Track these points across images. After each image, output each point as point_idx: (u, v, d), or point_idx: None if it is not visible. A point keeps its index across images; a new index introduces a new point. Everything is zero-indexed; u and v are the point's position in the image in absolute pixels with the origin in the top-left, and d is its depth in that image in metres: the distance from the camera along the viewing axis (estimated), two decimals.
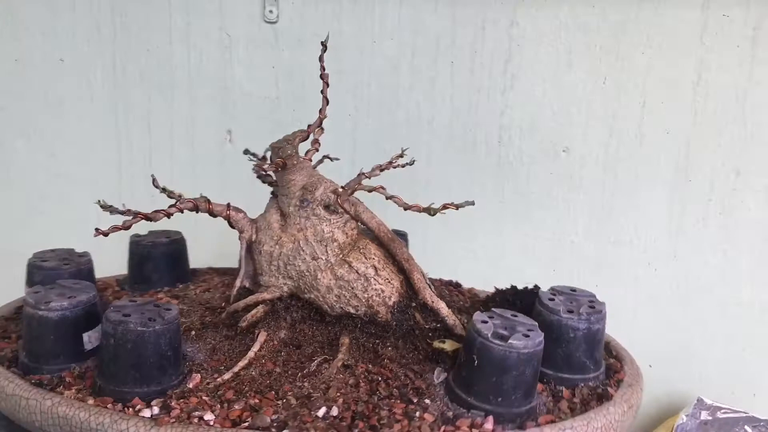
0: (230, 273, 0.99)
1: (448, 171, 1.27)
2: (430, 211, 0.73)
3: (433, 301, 0.77)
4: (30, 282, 0.84)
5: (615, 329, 1.26)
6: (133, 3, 1.28)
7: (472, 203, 0.74)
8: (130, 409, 0.62)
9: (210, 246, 1.11)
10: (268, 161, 0.78)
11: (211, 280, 0.96)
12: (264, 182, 0.85)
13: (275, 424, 0.60)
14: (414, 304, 0.78)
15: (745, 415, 1.17)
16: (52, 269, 0.83)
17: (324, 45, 0.78)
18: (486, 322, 0.66)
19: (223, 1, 1.26)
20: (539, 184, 1.25)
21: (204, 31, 1.28)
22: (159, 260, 0.93)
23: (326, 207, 0.77)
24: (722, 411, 1.18)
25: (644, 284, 1.26)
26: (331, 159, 0.86)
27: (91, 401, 0.63)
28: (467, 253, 1.29)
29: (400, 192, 1.17)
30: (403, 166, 0.84)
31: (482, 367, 0.64)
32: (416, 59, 1.24)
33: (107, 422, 0.60)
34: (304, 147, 0.82)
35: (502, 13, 1.20)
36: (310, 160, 0.82)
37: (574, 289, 0.80)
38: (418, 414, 0.63)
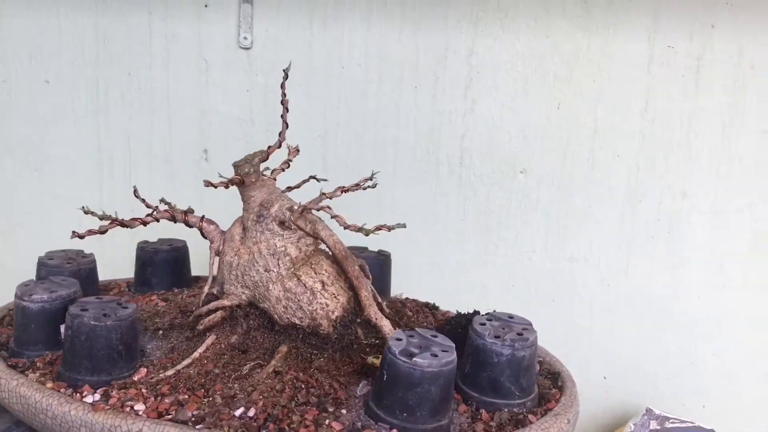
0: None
1: (413, 190, 1.33)
2: (365, 232, 0.78)
3: (376, 319, 0.80)
4: (38, 276, 0.93)
5: (571, 343, 1.33)
6: (116, 29, 1.35)
7: (404, 226, 0.79)
8: (78, 395, 0.69)
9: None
10: (231, 179, 0.84)
11: (198, 286, 1.02)
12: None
13: (193, 419, 0.66)
14: (359, 320, 0.82)
15: (692, 425, 1.22)
16: (54, 266, 0.93)
17: (285, 73, 0.84)
18: (401, 339, 0.70)
19: (200, 29, 1.33)
20: (498, 204, 1.32)
21: (182, 56, 1.35)
22: (159, 265, 1.02)
23: (281, 223, 0.82)
24: (670, 421, 1.24)
25: (598, 299, 1.32)
26: (318, 180, 0.91)
27: (49, 385, 0.70)
28: (431, 268, 1.35)
29: (367, 210, 1.26)
30: (366, 188, 0.89)
31: (389, 382, 0.67)
32: (382, 84, 1.31)
33: (54, 404, 0.67)
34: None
35: (462, 42, 1.27)
36: (274, 179, 0.88)
37: (511, 316, 0.82)
38: (327, 422, 0.66)
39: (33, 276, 0.92)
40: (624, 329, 1.32)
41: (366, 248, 1.08)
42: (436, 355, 0.67)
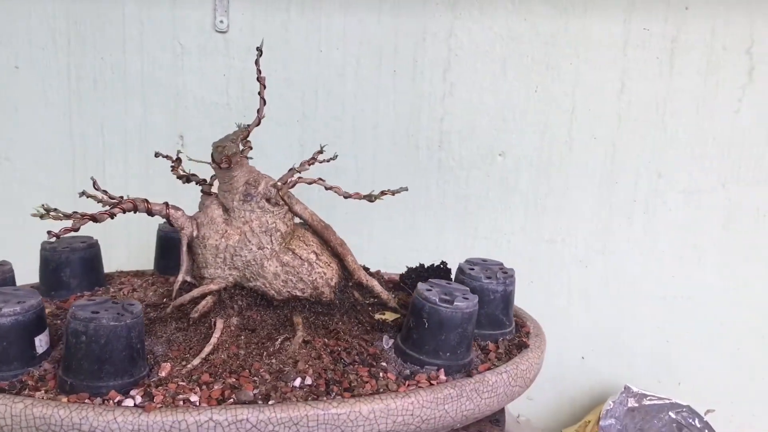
0: (141, 275, 1.02)
1: (393, 174, 1.33)
2: (371, 198, 0.81)
3: (367, 280, 0.86)
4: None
5: (549, 323, 1.34)
6: (88, 13, 1.32)
7: (406, 189, 0.86)
8: (110, 401, 0.64)
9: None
10: (212, 160, 0.83)
11: (129, 281, 0.98)
12: (186, 183, 0.88)
13: (259, 397, 0.66)
14: (351, 284, 0.86)
15: (669, 401, 1.25)
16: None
17: (259, 50, 0.84)
18: (430, 290, 0.76)
19: (175, 12, 1.31)
20: (478, 186, 1.33)
21: (157, 40, 1.33)
22: (77, 266, 0.92)
23: (268, 200, 0.82)
24: (648, 398, 1.26)
25: (576, 280, 1.34)
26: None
27: (65, 399, 0.64)
28: (411, 252, 1.36)
29: (343, 200, 1.23)
30: (327, 160, 0.91)
31: (432, 327, 0.74)
32: (361, 68, 1.31)
33: (91, 416, 0.61)
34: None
35: (441, 25, 1.28)
36: (247, 158, 0.87)
37: (485, 260, 0.92)
38: (382, 374, 0.72)
39: None
40: (601, 309, 1.35)
41: None
42: (467, 298, 0.75)
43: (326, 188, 0.86)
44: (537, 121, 1.29)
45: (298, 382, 0.69)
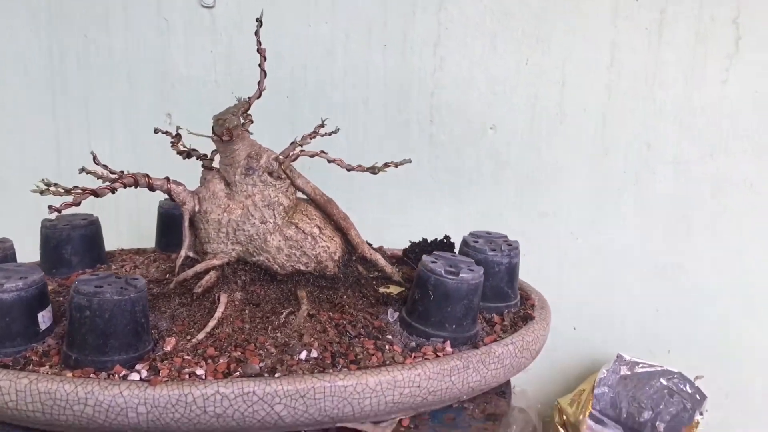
0: (143, 253, 1.01)
1: (384, 149, 1.33)
2: (374, 170, 0.81)
3: (370, 254, 0.85)
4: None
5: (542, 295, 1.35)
6: None
7: (409, 161, 0.86)
8: (115, 376, 0.63)
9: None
10: (213, 133, 0.82)
11: (131, 259, 0.98)
12: (186, 158, 0.87)
13: (266, 370, 0.65)
14: (354, 258, 0.86)
15: (660, 368, 1.27)
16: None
17: (259, 21, 0.83)
18: (435, 262, 0.76)
19: None
20: (469, 161, 1.33)
21: (141, 16, 1.30)
22: (78, 243, 0.92)
23: (270, 174, 0.82)
24: (640, 366, 1.28)
25: (568, 252, 1.35)
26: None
27: (69, 374, 0.63)
28: (403, 228, 1.35)
29: (337, 171, 1.23)
30: (330, 134, 0.90)
31: (438, 299, 0.73)
32: (350, 43, 1.30)
33: (96, 390, 0.61)
34: None
35: None
36: (249, 131, 0.86)
37: (489, 232, 0.92)
38: (387, 347, 0.72)
39: None
40: (592, 280, 1.36)
41: None
42: (472, 270, 0.75)
43: (329, 161, 0.86)
44: (527, 94, 1.29)
45: (304, 354, 0.69)
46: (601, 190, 1.31)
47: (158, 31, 1.31)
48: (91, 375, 0.64)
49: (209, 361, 0.67)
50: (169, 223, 0.98)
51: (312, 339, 0.72)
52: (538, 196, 1.33)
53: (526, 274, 1.34)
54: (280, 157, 0.83)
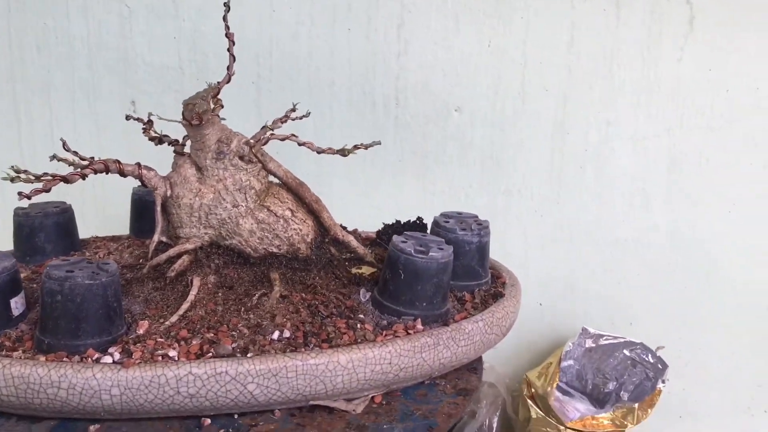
0: (117, 240, 1.01)
1: (350, 132, 1.34)
2: (344, 152, 0.82)
3: (343, 236, 0.87)
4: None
5: None
6: None
7: (379, 143, 0.88)
8: (88, 359, 0.64)
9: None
10: (183, 118, 0.82)
11: (105, 245, 0.98)
12: (158, 144, 0.88)
13: (238, 351, 0.66)
14: (327, 240, 0.87)
15: (623, 340, 1.32)
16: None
17: (226, 5, 0.83)
18: (405, 242, 0.78)
19: None
20: (434, 142, 1.35)
21: (102, 3, 1.29)
22: (51, 230, 0.92)
23: (241, 158, 0.82)
24: (604, 338, 1.32)
25: (532, 230, 1.38)
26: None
27: (42, 358, 0.64)
28: (370, 209, 1.37)
29: (305, 153, 1.24)
30: (300, 118, 0.91)
31: (408, 278, 0.75)
32: (314, 27, 1.30)
33: (69, 373, 0.62)
34: None
35: None
36: (219, 117, 0.87)
37: (460, 213, 0.94)
38: (359, 326, 0.73)
39: None
40: (556, 256, 1.40)
41: None
42: (442, 248, 0.77)
43: (299, 144, 0.87)
44: (490, 74, 1.31)
45: (276, 335, 0.70)
46: (563, 168, 1.35)
47: (120, 17, 1.30)
48: (65, 359, 0.64)
49: (182, 343, 0.68)
50: (143, 209, 0.98)
51: (284, 320, 0.74)
52: (502, 175, 1.36)
53: (492, 252, 1.38)
54: (251, 141, 0.83)
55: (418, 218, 0.96)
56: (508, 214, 1.38)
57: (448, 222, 0.88)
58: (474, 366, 0.84)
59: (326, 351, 0.68)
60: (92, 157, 0.80)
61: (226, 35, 0.84)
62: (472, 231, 0.86)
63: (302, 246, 0.84)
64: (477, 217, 0.92)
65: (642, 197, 1.35)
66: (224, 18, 0.83)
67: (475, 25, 1.29)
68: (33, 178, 0.72)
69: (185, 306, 0.76)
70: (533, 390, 1.31)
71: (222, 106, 0.85)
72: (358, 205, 1.37)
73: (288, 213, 0.84)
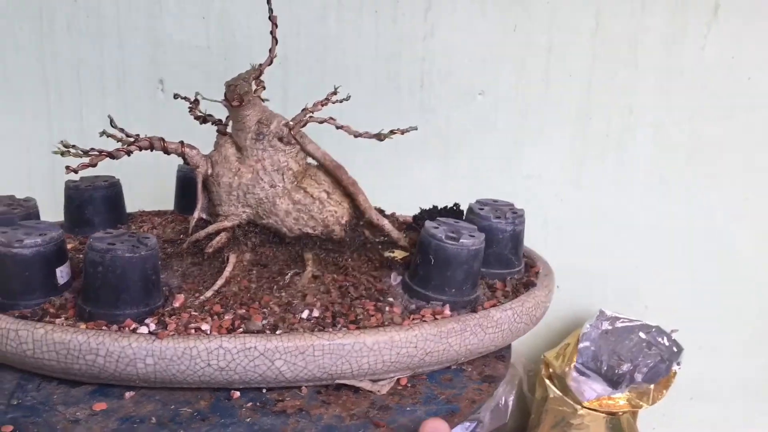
0: (162, 214, 1.04)
1: (375, 115, 1.36)
2: (380, 137, 0.83)
3: (378, 219, 0.88)
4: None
5: None
6: None
7: (416, 128, 0.88)
8: (126, 329, 0.67)
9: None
10: (224, 99, 0.84)
11: (150, 220, 1.01)
12: (203, 123, 0.90)
13: (267, 327, 0.69)
14: (361, 223, 0.88)
15: (639, 323, 1.34)
16: (2, 213, 0.87)
17: None
18: (437, 227, 0.78)
19: None
20: (458, 126, 1.36)
21: None
22: (99, 203, 0.95)
23: (280, 139, 0.84)
24: (620, 321, 1.35)
25: (552, 214, 1.40)
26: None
27: (83, 326, 0.67)
28: (394, 189, 1.39)
29: (328, 135, 1.26)
30: (341, 101, 0.93)
31: (438, 264, 0.76)
32: (342, 10, 1.31)
33: (107, 341, 0.64)
34: None
35: None
36: (260, 98, 0.89)
37: (495, 200, 0.94)
38: (387, 308, 0.74)
39: None
40: (575, 240, 1.42)
41: None
42: (473, 236, 0.77)
43: (336, 127, 0.88)
44: (515, 59, 1.33)
45: (305, 314, 0.72)
46: (584, 154, 1.36)
47: None
48: (103, 327, 0.67)
49: (215, 317, 0.70)
50: (187, 186, 1.00)
51: (315, 299, 0.75)
52: (525, 159, 1.38)
53: None
54: (291, 123, 0.85)
55: (455, 204, 0.97)
56: (529, 198, 1.39)
57: (482, 209, 0.89)
58: (502, 354, 0.84)
59: (353, 332, 0.69)
60: (137, 134, 0.82)
61: (270, 18, 0.85)
62: (506, 219, 0.87)
63: (336, 228, 0.86)
64: (513, 205, 0.93)
65: (660, 185, 1.37)
66: (268, 1, 0.85)
67: (501, 9, 1.30)
68: (81, 153, 0.75)
69: (220, 282, 0.77)
70: (551, 370, 1.33)
71: (264, 88, 0.87)
72: (380, 187, 1.38)
73: (324, 195, 0.86)
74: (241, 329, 0.68)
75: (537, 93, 1.34)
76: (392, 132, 0.87)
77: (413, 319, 0.73)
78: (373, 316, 0.73)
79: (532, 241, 1.40)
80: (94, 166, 0.76)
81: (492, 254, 0.86)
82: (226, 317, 0.70)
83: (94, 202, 0.94)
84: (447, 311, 0.76)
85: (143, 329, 0.67)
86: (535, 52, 1.32)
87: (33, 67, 1.34)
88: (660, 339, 1.32)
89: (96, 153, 0.76)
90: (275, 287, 0.78)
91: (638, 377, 1.29)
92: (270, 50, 0.86)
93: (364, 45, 1.33)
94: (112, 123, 0.83)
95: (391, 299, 0.77)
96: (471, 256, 0.76)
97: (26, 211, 0.88)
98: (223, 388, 0.69)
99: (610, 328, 1.35)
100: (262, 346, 0.66)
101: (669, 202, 1.38)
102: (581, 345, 1.32)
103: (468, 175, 1.39)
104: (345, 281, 0.80)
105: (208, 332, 0.67)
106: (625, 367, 1.30)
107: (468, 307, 0.78)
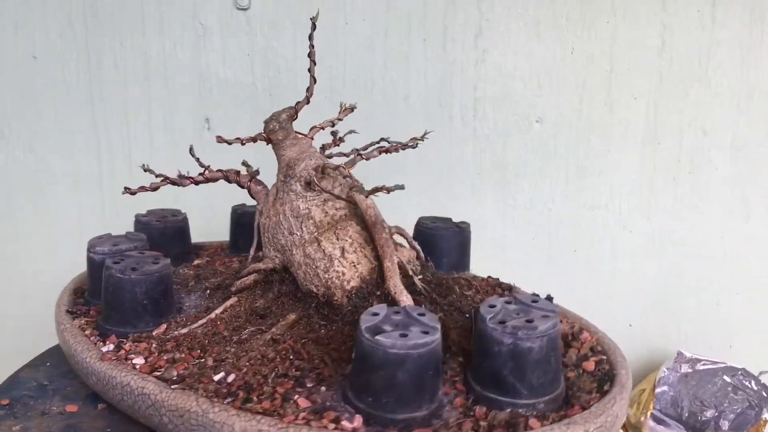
0: (219, 250, 1.04)
1: (427, 145, 1.29)
2: (363, 192, 0.73)
3: (395, 292, 0.70)
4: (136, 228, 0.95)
5: (594, 291, 1.31)
6: None
7: (402, 187, 0.70)
8: (101, 343, 0.70)
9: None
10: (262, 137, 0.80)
11: (209, 254, 1.01)
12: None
13: (175, 378, 0.63)
14: (378, 293, 0.73)
15: (723, 365, 1.22)
16: (144, 223, 0.94)
17: (313, 22, 0.80)
18: (377, 314, 0.60)
19: None
20: (515, 154, 1.29)
21: (177, 20, 1.29)
22: (250, 228, 0.91)
23: (307, 184, 0.77)
24: (701, 363, 1.23)
25: (620, 245, 1.30)
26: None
27: (87, 332, 0.73)
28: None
29: (378, 168, 1.19)
30: (378, 142, 0.87)
31: (357, 361, 0.58)
32: (389, 38, 1.27)
33: (80, 348, 0.69)
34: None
35: None
36: (311, 138, 0.84)
37: (536, 300, 0.65)
38: (296, 398, 0.60)
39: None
40: (646, 273, 1.31)
41: (449, 219, 0.99)
42: (405, 335, 0.56)
43: (343, 176, 0.78)
44: (574, 83, 1.24)
45: (219, 376, 0.63)
46: (654, 180, 1.27)
47: (194, 34, 1.29)
48: (92, 338, 0.72)
49: (159, 354, 0.68)
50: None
51: (246, 363, 0.65)
52: (588, 187, 1.29)
53: (576, 269, 1.30)
54: (320, 167, 0.78)
55: (548, 296, 0.72)
56: (595, 229, 1.30)
57: (494, 306, 0.63)
58: None
59: (230, 410, 0.58)
60: (208, 165, 0.81)
61: (309, 55, 0.80)
62: (504, 328, 0.59)
63: (338, 292, 0.73)
64: (551, 313, 0.62)
65: (743, 211, 1.25)
66: (310, 37, 0.80)
67: (558, 30, 1.23)
68: (156, 174, 0.79)
69: (201, 321, 0.74)
70: (625, 418, 1.22)
71: (323, 128, 0.83)
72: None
73: (337, 252, 0.74)
74: (159, 372, 0.65)
75: (599, 117, 1.25)
76: (376, 189, 0.72)
77: (304, 418, 0.57)
78: (273, 401, 0.59)
79: (599, 275, 1.32)
80: (155, 190, 0.78)
81: (486, 371, 0.61)
82: (165, 357, 0.67)
83: (245, 227, 0.98)
84: (352, 424, 0.56)
85: (106, 348, 0.69)
86: (595, 74, 1.24)
87: (82, 107, 1.34)
88: (747, 383, 1.20)
89: (161, 179, 0.78)
90: (234, 340, 0.70)
91: (724, 425, 1.17)
92: (307, 89, 0.81)
93: (413, 73, 1.27)
94: (191, 151, 0.83)
95: (322, 389, 0.61)
96: (391, 362, 0.55)
97: (164, 225, 0.94)
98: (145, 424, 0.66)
99: (690, 371, 1.23)
100: (155, 396, 0.62)
101: (753, 229, 1.26)
102: (658, 390, 1.20)
103: (527, 206, 1.31)
104: (297, 353, 0.67)
105: (137, 367, 0.65)
106: (709, 413, 1.18)
107: (389, 427, 0.56)
